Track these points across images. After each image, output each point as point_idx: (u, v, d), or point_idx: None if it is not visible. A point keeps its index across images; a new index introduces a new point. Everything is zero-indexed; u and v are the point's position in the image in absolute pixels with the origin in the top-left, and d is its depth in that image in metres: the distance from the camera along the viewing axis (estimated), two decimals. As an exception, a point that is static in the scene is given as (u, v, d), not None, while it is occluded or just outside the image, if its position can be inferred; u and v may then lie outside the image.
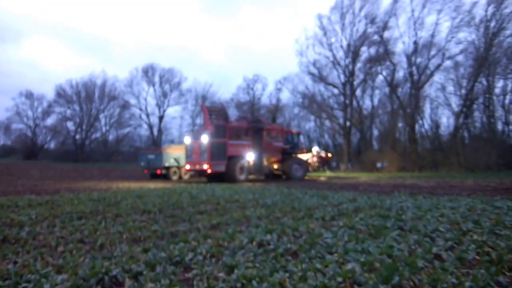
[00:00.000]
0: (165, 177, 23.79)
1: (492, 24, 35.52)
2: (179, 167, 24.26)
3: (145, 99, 61.35)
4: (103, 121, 64.06)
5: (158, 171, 23.58)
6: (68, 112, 63.96)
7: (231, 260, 4.25)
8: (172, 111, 77.73)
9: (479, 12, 36.29)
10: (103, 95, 62.43)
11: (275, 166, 24.04)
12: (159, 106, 61.03)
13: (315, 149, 27.87)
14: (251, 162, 21.44)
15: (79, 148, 62.04)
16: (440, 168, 33.74)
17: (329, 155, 28.45)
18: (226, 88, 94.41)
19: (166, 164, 23.72)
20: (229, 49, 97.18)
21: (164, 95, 60.99)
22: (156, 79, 60.72)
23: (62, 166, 46.34)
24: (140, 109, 61.79)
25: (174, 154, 24.07)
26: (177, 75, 61.19)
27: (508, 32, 34.99)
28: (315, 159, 25.96)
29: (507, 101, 37.83)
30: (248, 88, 55.59)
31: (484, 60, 35.73)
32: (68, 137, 64.76)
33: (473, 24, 36.48)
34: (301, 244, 4.95)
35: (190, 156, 21.44)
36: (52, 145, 68.60)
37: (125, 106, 62.29)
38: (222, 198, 10.55)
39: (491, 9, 35.41)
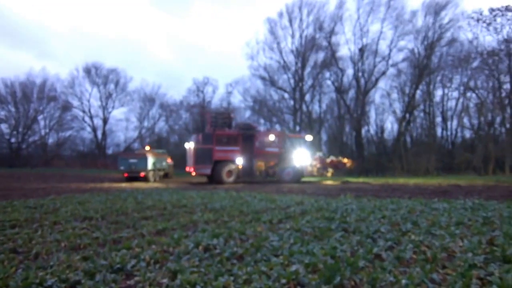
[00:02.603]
0: (136, 179, 25.82)
1: (430, 34, 37.70)
2: (154, 170, 26.60)
3: (88, 101, 58.64)
4: (42, 123, 60.40)
5: (142, 174, 25.32)
6: (2, 113, 59.78)
7: (176, 265, 4.18)
8: (118, 113, 74.61)
9: (418, 22, 38.38)
10: (42, 95, 58.93)
11: (271, 170, 24.65)
12: (103, 107, 58.65)
13: (319, 153, 26.80)
14: (240, 166, 23.12)
15: (15, 152, 58.36)
16: (385, 171, 35.17)
17: (345, 160, 26.92)
18: (176, 90, 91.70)
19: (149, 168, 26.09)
20: (180, 48, 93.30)
21: (109, 96, 58.68)
22: (100, 79, 58.23)
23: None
24: (83, 111, 58.98)
25: (153, 158, 26.41)
26: (123, 75, 58.97)
27: (445, 41, 37.25)
28: (314, 163, 25.02)
29: (446, 108, 40.22)
30: (198, 90, 54.87)
31: (424, 69, 37.79)
32: (2, 141, 60.60)
33: (413, 33, 38.50)
34: (247, 248, 4.95)
35: (187, 160, 24.11)
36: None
37: (66, 107, 59.09)
38: (169, 203, 10.33)
39: (429, 20, 37.56)
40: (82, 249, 5.21)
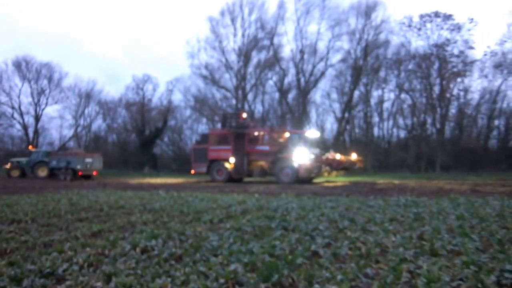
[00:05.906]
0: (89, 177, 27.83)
1: (365, 35, 39.33)
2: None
3: (18, 97, 54.58)
4: (-37, 119, 55.43)
5: (95, 172, 28.01)
6: None
7: (111, 268, 4.03)
8: (51, 110, 69.77)
9: (352, 23, 39.82)
10: (-35, 90, 54.03)
11: (269, 169, 23.10)
12: (35, 104, 54.92)
13: (314, 150, 23.35)
14: (232, 165, 23.42)
15: None
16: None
17: (353, 158, 24.09)
18: (114, 87, 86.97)
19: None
20: (119, 42, 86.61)
21: (41, 92, 55.03)
22: (31, 74, 54.37)
23: None
24: (12, 107, 54.97)
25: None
26: (57, 69, 55.48)
27: (379, 43, 39.01)
28: (310, 161, 21.44)
29: (382, 109, 42.07)
30: (138, 88, 53.05)
31: (360, 70, 39.35)
32: None
33: (348, 34, 39.89)
34: (186, 248, 4.89)
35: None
36: None
37: (-7, 103, 54.67)
38: (106, 204, 9.92)
39: (361, 21, 39.12)
40: (8, 253, 4.88)
